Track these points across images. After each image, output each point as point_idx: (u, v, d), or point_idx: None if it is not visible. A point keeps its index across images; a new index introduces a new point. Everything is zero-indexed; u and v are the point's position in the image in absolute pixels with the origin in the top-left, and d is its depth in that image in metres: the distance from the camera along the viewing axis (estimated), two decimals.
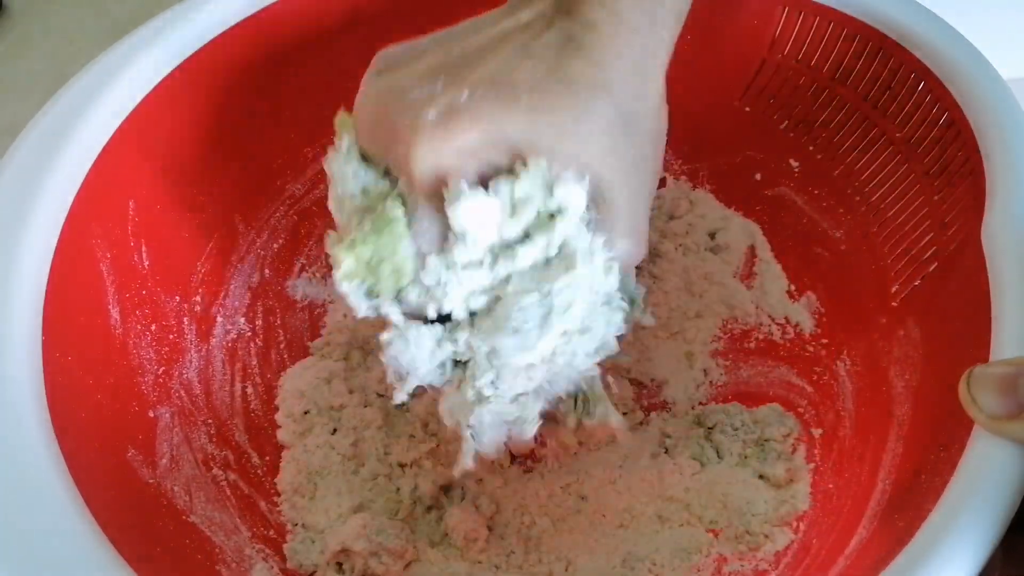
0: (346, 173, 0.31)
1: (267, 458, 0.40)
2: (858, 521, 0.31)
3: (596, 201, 0.29)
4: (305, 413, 0.41)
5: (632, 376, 0.43)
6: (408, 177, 0.29)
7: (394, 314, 0.31)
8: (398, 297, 0.31)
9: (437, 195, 0.28)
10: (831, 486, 0.36)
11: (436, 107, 0.28)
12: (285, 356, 0.44)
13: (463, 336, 0.31)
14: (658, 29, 0.30)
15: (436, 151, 0.28)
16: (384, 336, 0.31)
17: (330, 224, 0.48)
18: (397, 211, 0.30)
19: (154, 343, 0.37)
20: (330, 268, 0.44)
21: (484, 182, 0.28)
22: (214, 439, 0.38)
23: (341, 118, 0.33)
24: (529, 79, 0.27)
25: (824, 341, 0.41)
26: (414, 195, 0.29)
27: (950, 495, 0.25)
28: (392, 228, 0.30)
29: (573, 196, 0.28)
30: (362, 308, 0.31)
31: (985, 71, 0.35)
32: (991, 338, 0.28)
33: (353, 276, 0.30)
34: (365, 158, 0.31)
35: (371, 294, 0.31)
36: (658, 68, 0.30)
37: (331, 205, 0.32)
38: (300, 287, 0.46)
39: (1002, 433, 0.25)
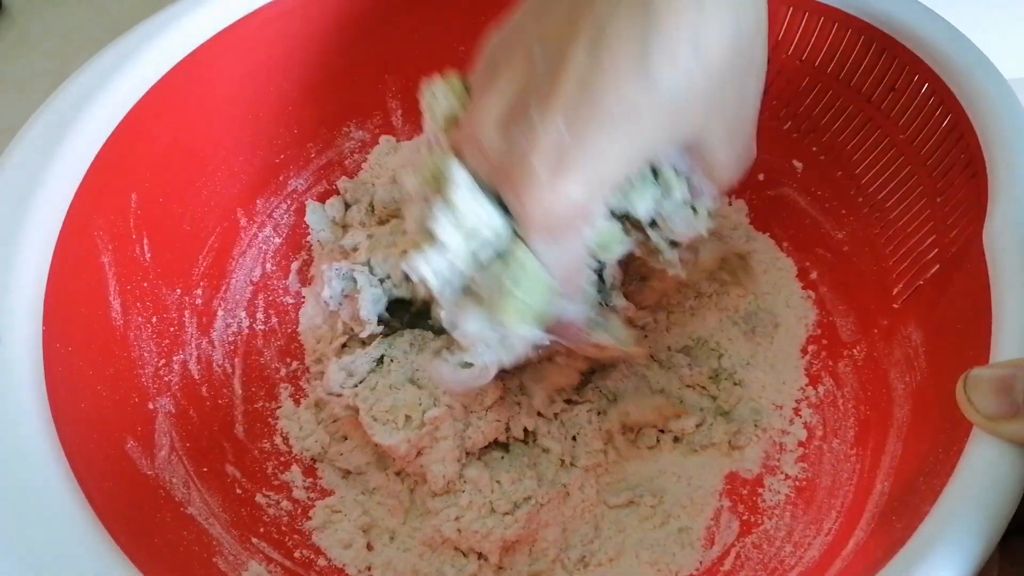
0: (473, 209, 0.30)
1: (265, 451, 0.40)
2: (856, 523, 0.31)
3: (689, 150, 0.31)
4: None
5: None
6: (523, 224, 0.30)
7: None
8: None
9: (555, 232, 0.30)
10: (829, 487, 0.36)
11: (543, 158, 0.28)
12: (285, 350, 0.44)
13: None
14: None
15: (549, 208, 0.29)
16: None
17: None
18: (528, 257, 0.30)
19: (155, 335, 0.38)
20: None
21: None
22: (213, 432, 0.38)
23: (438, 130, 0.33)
24: (613, 86, 0.27)
25: (825, 342, 0.41)
26: (536, 241, 0.30)
27: (947, 498, 0.25)
28: (529, 275, 0.31)
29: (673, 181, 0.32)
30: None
31: (988, 72, 0.34)
32: (991, 340, 0.28)
33: (522, 324, 0.32)
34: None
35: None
36: None
37: (413, 225, 0.32)
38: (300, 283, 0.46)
39: (997, 433, 0.25)
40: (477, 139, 0.30)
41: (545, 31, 0.29)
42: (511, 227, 0.31)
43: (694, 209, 0.34)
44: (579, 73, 0.28)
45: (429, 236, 0.31)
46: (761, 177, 0.45)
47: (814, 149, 0.42)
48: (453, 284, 0.32)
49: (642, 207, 0.32)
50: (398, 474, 0.40)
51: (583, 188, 0.29)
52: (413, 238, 0.32)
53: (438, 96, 0.33)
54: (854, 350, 0.39)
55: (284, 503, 0.38)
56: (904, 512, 0.28)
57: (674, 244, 0.35)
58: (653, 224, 0.33)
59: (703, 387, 0.42)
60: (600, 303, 0.36)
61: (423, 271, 0.31)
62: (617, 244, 0.33)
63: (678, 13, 0.27)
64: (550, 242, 0.30)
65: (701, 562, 0.37)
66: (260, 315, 0.44)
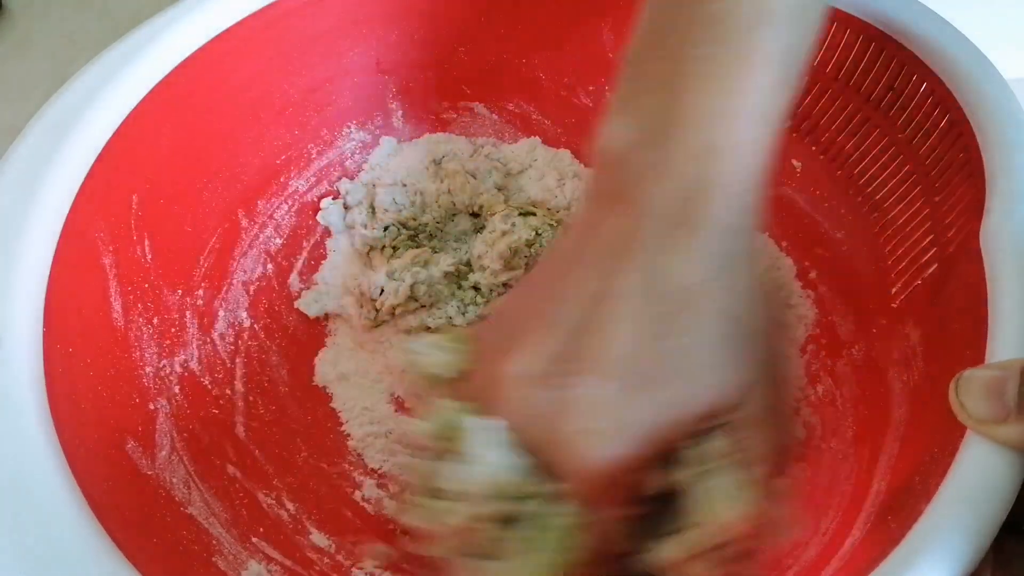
0: (490, 459, 0.29)
1: (267, 451, 0.40)
2: (852, 522, 0.31)
3: (734, 426, 0.30)
4: None
5: None
6: (576, 484, 0.29)
7: None
8: None
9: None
10: (827, 486, 0.36)
11: (599, 420, 0.28)
12: (286, 350, 0.44)
13: None
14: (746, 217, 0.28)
15: (611, 465, 0.28)
16: None
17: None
18: (562, 520, 0.29)
19: (156, 336, 0.38)
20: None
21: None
22: (214, 432, 0.38)
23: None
24: (654, 356, 0.28)
25: (824, 341, 0.41)
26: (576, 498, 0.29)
27: (941, 497, 0.25)
28: (566, 537, 0.29)
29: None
30: None
31: (987, 72, 0.34)
32: (987, 339, 0.28)
33: None
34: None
35: None
36: (751, 264, 0.30)
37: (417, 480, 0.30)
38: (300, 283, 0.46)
39: (989, 436, 0.25)
40: (506, 397, 0.29)
41: (564, 296, 0.29)
42: (535, 486, 0.29)
43: None
44: (615, 339, 0.28)
45: (431, 493, 0.30)
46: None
47: (813, 148, 0.42)
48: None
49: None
50: None
51: (633, 448, 0.28)
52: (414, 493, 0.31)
53: (426, 350, 0.32)
54: (852, 349, 0.39)
55: (285, 503, 0.38)
56: (899, 511, 0.28)
57: None
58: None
59: None
60: None
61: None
62: None
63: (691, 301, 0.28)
64: (602, 502, 0.29)
65: None
66: (261, 316, 0.44)
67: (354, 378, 0.44)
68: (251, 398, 0.41)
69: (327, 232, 0.48)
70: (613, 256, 0.28)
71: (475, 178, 0.47)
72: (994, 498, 0.24)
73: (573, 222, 0.31)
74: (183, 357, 0.39)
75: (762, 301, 0.30)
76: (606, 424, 0.28)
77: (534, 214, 0.46)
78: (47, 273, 0.32)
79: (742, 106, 0.27)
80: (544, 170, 0.48)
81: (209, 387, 0.40)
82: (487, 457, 0.29)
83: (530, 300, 0.31)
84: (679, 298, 0.28)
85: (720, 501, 0.29)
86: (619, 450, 0.28)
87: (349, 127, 0.48)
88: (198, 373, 0.40)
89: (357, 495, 0.40)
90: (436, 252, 0.46)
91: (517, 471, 0.29)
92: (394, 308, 0.43)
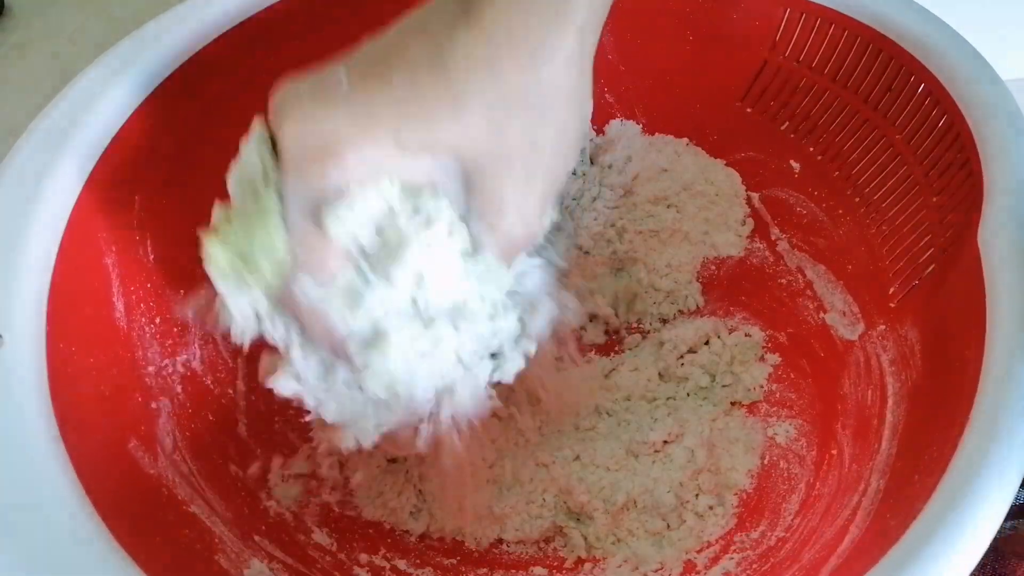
0: (250, 153, 0.30)
1: (269, 451, 0.40)
2: (851, 520, 0.32)
3: (470, 187, 0.29)
4: None
5: None
6: (285, 154, 0.28)
7: (277, 335, 0.31)
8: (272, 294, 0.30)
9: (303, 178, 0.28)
10: (825, 485, 0.36)
11: (313, 86, 0.28)
12: None
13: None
14: (569, 8, 0.27)
15: (304, 129, 0.28)
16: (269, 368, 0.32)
17: None
18: (271, 202, 0.29)
19: (158, 335, 0.38)
20: None
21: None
22: (216, 431, 0.39)
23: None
24: (410, 60, 0.27)
25: (821, 341, 0.41)
26: (288, 178, 0.29)
27: (940, 496, 0.25)
28: (267, 219, 0.29)
29: (438, 210, 0.29)
30: (237, 307, 0.31)
31: (984, 73, 0.35)
32: (985, 339, 0.28)
33: (228, 270, 0.30)
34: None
35: (246, 287, 0.30)
36: (562, 48, 0.28)
37: (230, 185, 0.31)
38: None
39: None
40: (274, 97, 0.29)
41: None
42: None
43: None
44: (381, 41, 0.28)
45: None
46: (759, 177, 0.45)
47: (811, 149, 0.42)
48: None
49: (401, 213, 0.29)
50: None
51: (344, 122, 0.27)
52: None
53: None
54: (851, 349, 0.39)
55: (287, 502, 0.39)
56: (898, 510, 0.28)
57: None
58: None
59: (703, 387, 0.42)
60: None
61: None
62: None
63: (484, 37, 0.27)
64: (296, 179, 0.28)
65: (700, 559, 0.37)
66: None
67: None
68: (253, 397, 0.42)
69: None
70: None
71: None
72: (993, 496, 0.25)
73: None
74: (185, 356, 0.39)
75: (568, 98, 0.29)
76: (318, 93, 0.28)
77: None
78: (50, 273, 0.32)
79: None
80: None
81: (211, 386, 0.40)
82: (245, 153, 0.30)
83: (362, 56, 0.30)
84: (479, 34, 0.27)
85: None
86: (320, 115, 0.27)
87: None
88: (200, 372, 0.40)
89: None
90: None
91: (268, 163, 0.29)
92: None
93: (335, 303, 0.30)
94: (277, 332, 0.32)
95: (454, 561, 0.39)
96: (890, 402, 0.35)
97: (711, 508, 0.38)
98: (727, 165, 0.46)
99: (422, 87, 0.27)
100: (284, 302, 0.31)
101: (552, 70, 0.28)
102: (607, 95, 0.48)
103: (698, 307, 0.45)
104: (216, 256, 0.30)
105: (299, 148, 0.28)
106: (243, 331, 0.31)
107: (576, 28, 0.28)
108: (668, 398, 0.43)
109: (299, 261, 0.30)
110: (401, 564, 0.38)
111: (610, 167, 0.48)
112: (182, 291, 0.40)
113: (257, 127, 0.30)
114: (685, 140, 0.48)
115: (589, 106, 0.30)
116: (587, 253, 0.47)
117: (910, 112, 0.37)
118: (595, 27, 0.29)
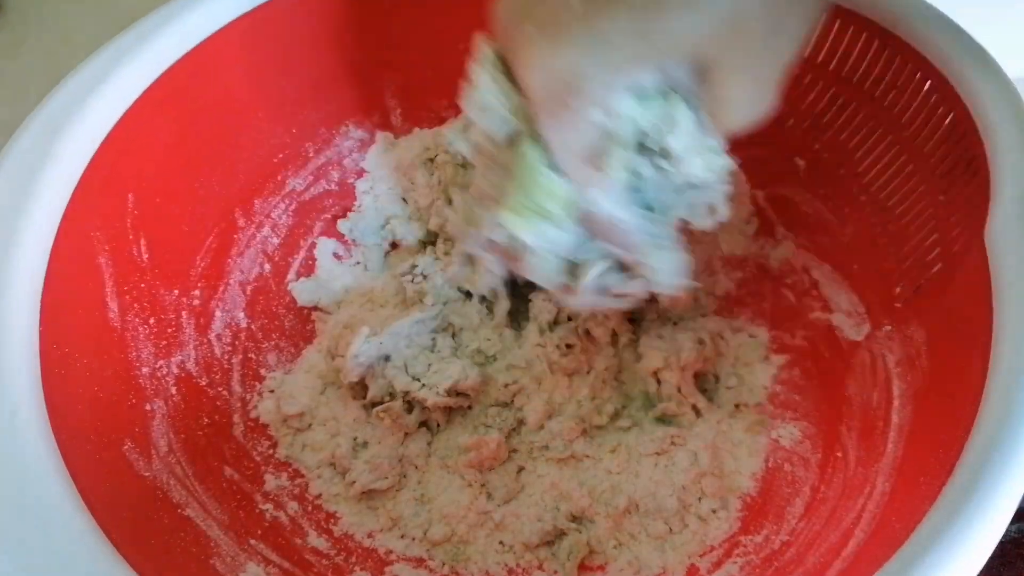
0: (493, 88, 0.30)
1: (263, 452, 0.40)
2: (856, 524, 0.31)
3: (704, 76, 0.29)
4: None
5: None
6: (528, 95, 0.29)
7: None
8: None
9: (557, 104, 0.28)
10: (830, 488, 0.36)
11: (546, 23, 0.27)
12: (284, 350, 0.44)
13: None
14: None
15: (544, 75, 0.28)
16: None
17: (331, 221, 0.48)
18: (532, 151, 0.30)
19: (152, 336, 0.37)
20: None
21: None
22: (211, 433, 0.38)
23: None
24: None
25: (828, 342, 0.41)
26: (541, 119, 0.29)
27: (945, 499, 0.25)
28: (531, 170, 0.30)
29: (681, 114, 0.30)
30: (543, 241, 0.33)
31: (992, 70, 0.34)
32: (992, 339, 0.28)
33: (525, 227, 0.32)
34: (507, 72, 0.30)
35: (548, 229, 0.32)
36: None
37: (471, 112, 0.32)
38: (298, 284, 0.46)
39: None
40: (501, 20, 0.29)
41: None
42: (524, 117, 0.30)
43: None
44: None
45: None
46: (764, 174, 0.45)
47: (817, 147, 0.42)
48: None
49: (649, 125, 0.30)
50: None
51: (582, 59, 0.27)
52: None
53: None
54: (857, 349, 0.39)
55: (283, 505, 0.38)
56: (904, 513, 0.28)
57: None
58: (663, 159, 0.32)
59: (704, 388, 0.42)
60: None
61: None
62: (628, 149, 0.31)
63: None
64: (552, 118, 0.29)
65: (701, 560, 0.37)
66: (258, 316, 0.44)
67: None
68: (247, 399, 0.41)
69: (324, 231, 0.47)
70: None
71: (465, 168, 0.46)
72: (999, 499, 0.24)
73: None
74: (180, 358, 0.39)
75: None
76: (552, 28, 0.27)
77: None
78: (43, 272, 0.32)
79: None
80: None
81: (206, 388, 0.40)
82: (481, 80, 0.30)
83: None
84: None
85: (694, 163, 0.31)
86: (558, 54, 0.27)
87: (347, 125, 0.48)
88: (195, 374, 0.39)
89: None
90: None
91: (506, 92, 0.30)
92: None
93: (623, 206, 0.32)
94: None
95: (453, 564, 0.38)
96: (896, 403, 0.34)
97: (714, 512, 0.38)
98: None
99: None
100: (581, 222, 0.32)
101: None
102: None
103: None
104: (514, 223, 0.31)
105: (545, 94, 0.28)
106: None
107: None
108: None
109: (582, 189, 0.31)
110: (399, 567, 0.37)
111: None
112: (176, 290, 0.40)
113: (485, 51, 0.30)
114: None
115: None
116: None
117: (916, 110, 0.37)
118: None
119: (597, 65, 0.27)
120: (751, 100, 0.30)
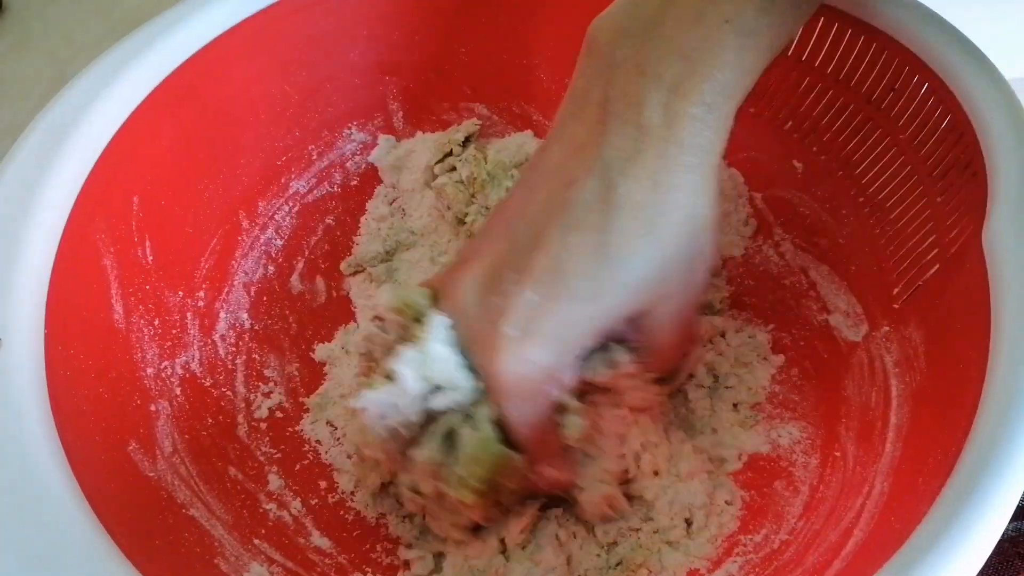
0: (443, 361, 0.32)
1: (268, 454, 0.40)
2: (855, 524, 0.31)
3: (635, 325, 0.34)
4: None
5: None
6: (491, 385, 0.32)
7: None
8: None
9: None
10: (829, 488, 0.36)
11: (513, 324, 0.31)
12: (287, 352, 0.44)
13: None
14: (708, 131, 0.31)
15: (513, 371, 0.32)
16: None
17: (330, 221, 0.48)
18: (487, 427, 0.33)
19: (157, 337, 0.38)
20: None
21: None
22: (215, 433, 0.38)
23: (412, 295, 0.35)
24: (580, 261, 0.31)
25: (825, 342, 0.41)
26: (506, 403, 0.33)
27: (944, 499, 0.25)
28: (488, 445, 0.33)
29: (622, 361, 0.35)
30: None
31: (988, 72, 0.34)
32: (990, 340, 0.28)
33: (477, 498, 0.34)
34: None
35: None
36: (706, 176, 0.31)
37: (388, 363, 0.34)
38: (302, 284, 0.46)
39: None
40: (456, 299, 0.33)
41: (527, 211, 0.33)
42: (475, 391, 0.33)
43: None
44: (551, 252, 0.31)
45: (385, 372, 0.33)
46: (762, 177, 0.45)
47: (814, 149, 0.42)
48: (392, 424, 0.34)
49: (597, 375, 0.35)
50: None
51: (549, 354, 0.32)
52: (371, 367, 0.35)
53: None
54: (855, 350, 0.39)
55: (287, 505, 0.38)
56: (903, 513, 0.28)
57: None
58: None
59: (701, 385, 0.42)
60: None
61: (370, 405, 0.33)
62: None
63: (636, 209, 0.31)
64: (514, 400, 0.33)
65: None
66: (262, 317, 0.44)
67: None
68: (251, 400, 0.41)
69: (327, 232, 0.48)
70: (576, 162, 0.32)
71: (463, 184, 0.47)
72: (998, 498, 0.24)
73: (552, 125, 0.34)
74: (184, 359, 0.39)
75: (703, 228, 0.32)
76: (520, 330, 0.31)
77: None
78: (48, 274, 0.32)
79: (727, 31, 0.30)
80: None
81: (210, 389, 0.40)
82: (433, 349, 0.32)
83: (503, 214, 0.34)
84: (629, 208, 0.31)
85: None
86: (527, 353, 0.32)
87: (350, 128, 0.48)
88: (199, 375, 0.40)
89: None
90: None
91: (458, 369, 0.33)
92: None
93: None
94: None
95: None
96: (894, 404, 0.35)
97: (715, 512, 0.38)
98: (729, 165, 0.46)
99: (601, 284, 0.31)
100: None
101: (700, 211, 0.32)
102: None
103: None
104: (467, 499, 0.33)
105: (512, 388, 0.32)
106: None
107: (717, 145, 0.32)
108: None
109: (534, 453, 0.34)
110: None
111: None
112: (180, 292, 0.40)
113: (438, 320, 0.33)
114: None
115: (718, 214, 0.33)
116: None
117: (914, 112, 0.37)
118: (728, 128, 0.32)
119: (566, 354, 0.33)
120: (676, 343, 0.36)
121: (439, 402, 0.33)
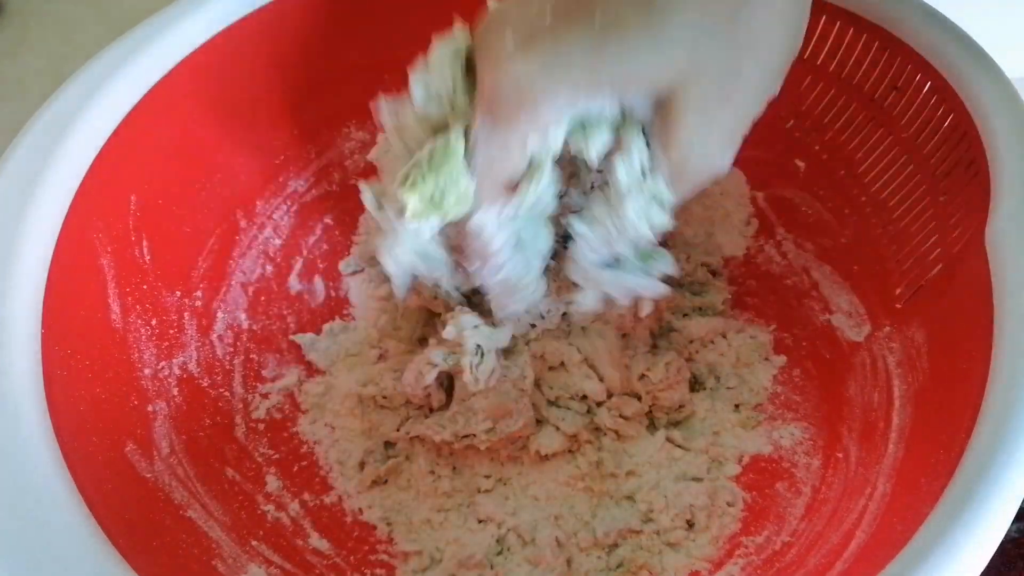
0: (445, 74, 0.31)
1: (266, 455, 0.40)
2: (857, 525, 0.31)
3: (659, 111, 0.29)
4: None
5: None
6: (478, 92, 0.29)
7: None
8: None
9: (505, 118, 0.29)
10: (831, 489, 0.36)
11: (517, 32, 0.28)
12: (285, 352, 0.44)
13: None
14: None
15: (502, 76, 0.28)
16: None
17: (329, 221, 0.48)
18: (459, 144, 0.30)
19: (154, 338, 0.38)
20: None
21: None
22: (213, 434, 0.38)
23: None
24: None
25: (828, 342, 0.41)
26: (480, 118, 0.30)
27: (948, 499, 0.25)
28: (452, 161, 0.30)
29: (634, 142, 0.30)
30: (401, 256, 0.35)
31: (991, 71, 0.34)
32: (992, 340, 0.28)
33: (422, 215, 0.31)
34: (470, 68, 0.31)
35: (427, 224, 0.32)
36: None
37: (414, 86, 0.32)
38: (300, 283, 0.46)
39: None
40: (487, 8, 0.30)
41: None
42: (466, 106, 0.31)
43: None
44: None
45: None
46: (764, 176, 0.45)
47: (817, 148, 0.42)
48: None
49: (594, 150, 0.30)
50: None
51: (540, 73, 0.28)
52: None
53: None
54: (857, 350, 0.39)
55: (284, 506, 0.38)
56: (905, 514, 0.28)
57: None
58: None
59: (701, 385, 0.42)
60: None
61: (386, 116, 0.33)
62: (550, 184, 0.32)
63: None
64: (490, 123, 0.29)
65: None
66: (260, 317, 0.44)
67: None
68: (249, 401, 0.41)
69: (326, 231, 0.48)
70: None
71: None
72: (1001, 500, 0.24)
73: None
74: (182, 359, 0.39)
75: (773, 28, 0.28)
76: (519, 45, 0.28)
77: None
78: (45, 274, 0.32)
79: None
80: None
81: (208, 389, 0.40)
82: (434, 59, 0.31)
83: None
84: None
85: (631, 214, 0.31)
86: (516, 67, 0.28)
87: (348, 127, 0.48)
88: (197, 375, 0.39)
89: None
90: None
91: (457, 81, 0.31)
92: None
93: (504, 236, 0.33)
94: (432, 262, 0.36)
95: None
96: (896, 404, 0.34)
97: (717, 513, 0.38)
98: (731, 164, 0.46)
99: (625, 20, 0.27)
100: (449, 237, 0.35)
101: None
102: None
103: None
104: (411, 203, 0.31)
105: (495, 94, 0.29)
106: (402, 284, 0.37)
107: None
108: None
109: (480, 199, 0.31)
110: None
111: None
112: (178, 292, 0.40)
113: (458, 38, 0.31)
114: None
115: (801, 35, 0.29)
116: None
117: (916, 111, 0.37)
118: None
119: (555, 81, 0.28)
120: (707, 147, 0.30)
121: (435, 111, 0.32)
